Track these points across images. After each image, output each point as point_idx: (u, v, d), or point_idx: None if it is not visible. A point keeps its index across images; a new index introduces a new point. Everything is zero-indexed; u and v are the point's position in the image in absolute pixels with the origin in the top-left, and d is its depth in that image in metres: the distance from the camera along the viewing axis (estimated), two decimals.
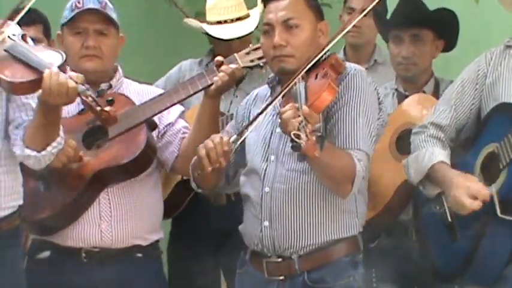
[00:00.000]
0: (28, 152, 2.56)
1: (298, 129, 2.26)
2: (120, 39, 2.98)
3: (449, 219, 2.67)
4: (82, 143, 2.82)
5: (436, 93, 3.26)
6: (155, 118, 2.93)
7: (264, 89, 2.81)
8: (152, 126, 2.91)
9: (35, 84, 2.48)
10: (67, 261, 2.87)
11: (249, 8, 3.61)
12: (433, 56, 3.34)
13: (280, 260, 2.63)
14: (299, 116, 2.29)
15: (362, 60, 3.80)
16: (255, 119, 2.61)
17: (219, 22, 3.54)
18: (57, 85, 2.43)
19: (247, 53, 2.97)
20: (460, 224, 2.65)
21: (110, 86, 2.90)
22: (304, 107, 2.31)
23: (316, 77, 2.52)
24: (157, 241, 3.00)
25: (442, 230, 2.67)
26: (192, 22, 3.72)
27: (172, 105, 2.95)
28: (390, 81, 3.39)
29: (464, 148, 2.69)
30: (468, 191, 2.48)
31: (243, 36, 3.49)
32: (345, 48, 3.92)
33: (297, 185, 2.61)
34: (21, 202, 2.70)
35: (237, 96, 3.42)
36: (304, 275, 2.60)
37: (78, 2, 2.89)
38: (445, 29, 3.30)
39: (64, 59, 2.57)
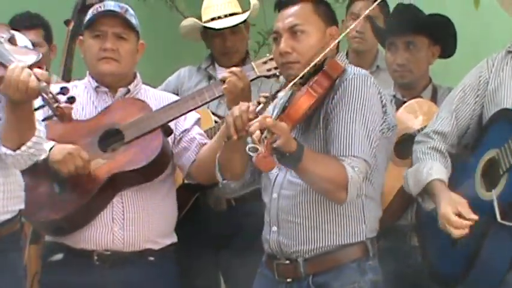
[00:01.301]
0: (4, 150, 2.56)
1: (259, 142, 2.27)
2: (140, 45, 3.01)
3: None
4: (98, 145, 2.84)
5: (434, 99, 3.28)
6: (171, 124, 2.95)
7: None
8: (168, 132, 2.93)
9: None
10: (79, 263, 2.90)
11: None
12: (429, 62, 3.34)
13: (288, 262, 2.65)
14: (261, 129, 2.30)
15: (364, 66, 3.81)
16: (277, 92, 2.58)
17: (213, 19, 3.58)
18: (17, 80, 2.42)
19: (265, 62, 3.03)
20: None
21: (128, 91, 2.98)
22: (268, 119, 2.33)
23: (310, 84, 2.53)
24: (170, 245, 3.03)
25: (443, 235, 2.62)
26: (187, 22, 3.75)
27: (188, 112, 2.99)
28: (388, 89, 3.36)
29: (465, 153, 2.70)
30: (449, 223, 2.50)
31: (233, 26, 3.53)
32: (347, 53, 3.92)
33: (302, 192, 2.62)
34: (22, 206, 2.73)
35: None
36: (309, 279, 2.62)
37: (100, 6, 2.94)
38: (440, 34, 3.30)
39: (38, 58, 2.58)
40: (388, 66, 3.39)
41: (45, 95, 2.47)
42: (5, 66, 2.50)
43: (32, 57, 2.58)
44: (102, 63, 2.92)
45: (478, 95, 2.68)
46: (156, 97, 3.05)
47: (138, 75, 3.05)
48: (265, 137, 2.26)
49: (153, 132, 2.86)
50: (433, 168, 2.63)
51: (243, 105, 2.50)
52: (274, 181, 2.67)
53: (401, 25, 3.25)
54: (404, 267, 3.18)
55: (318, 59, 2.55)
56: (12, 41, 2.63)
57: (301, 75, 2.53)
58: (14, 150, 2.55)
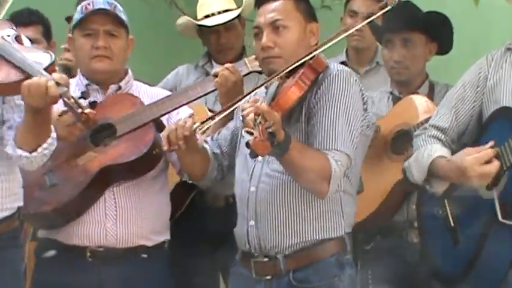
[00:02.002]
0: (20, 152, 2.56)
1: (253, 127, 2.28)
2: (130, 41, 3.00)
3: (452, 224, 2.67)
4: (90, 139, 2.82)
5: (431, 96, 3.30)
6: (164, 119, 2.94)
7: (262, 90, 2.81)
8: (160, 127, 2.90)
9: (20, 85, 2.47)
10: (72, 260, 2.88)
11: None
12: (426, 59, 3.36)
13: (266, 259, 2.65)
14: (255, 114, 2.31)
15: (364, 63, 3.89)
16: (223, 111, 2.65)
17: (207, 16, 3.61)
18: (37, 86, 2.43)
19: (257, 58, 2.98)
20: (462, 228, 2.65)
21: (119, 87, 2.98)
22: (263, 105, 2.34)
23: (294, 77, 2.55)
24: (163, 242, 3.00)
25: (444, 233, 2.66)
26: (182, 20, 3.77)
27: (180, 106, 2.97)
28: (385, 86, 3.42)
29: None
30: (480, 161, 2.47)
31: (225, 23, 3.55)
32: (347, 51, 3.95)
33: (281, 185, 2.64)
34: (20, 204, 2.72)
35: None
36: (289, 275, 2.63)
37: (88, 4, 2.92)
38: (437, 31, 3.31)
39: (52, 60, 2.58)
40: (385, 63, 3.42)
41: (66, 100, 2.48)
42: (19, 69, 2.50)
43: (46, 57, 2.58)
44: (95, 62, 2.91)
45: (477, 91, 2.67)
46: (149, 93, 3.03)
47: (129, 71, 3.03)
48: (260, 123, 2.27)
49: (145, 126, 2.85)
50: (433, 149, 2.63)
51: (180, 120, 2.61)
52: (252, 174, 2.67)
53: (398, 22, 3.25)
54: (400, 263, 3.20)
55: (303, 60, 2.57)
56: (18, 39, 2.61)
57: (284, 72, 2.56)
58: (30, 153, 2.56)
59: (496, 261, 2.55)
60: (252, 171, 2.67)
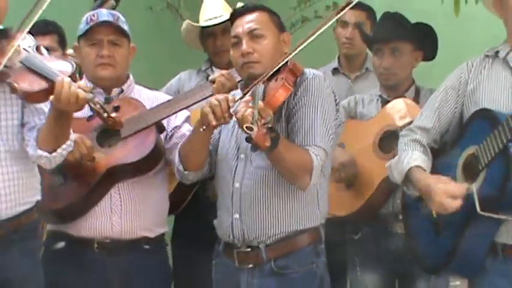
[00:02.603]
0: (40, 152, 2.55)
1: (251, 123, 2.31)
2: (131, 48, 2.99)
3: (435, 216, 2.65)
4: (96, 141, 2.81)
5: (417, 99, 3.28)
6: (163, 121, 2.94)
7: (237, 92, 2.83)
8: (161, 129, 2.91)
9: (47, 93, 2.47)
10: (80, 251, 2.87)
11: None
12: (413, 65, 3.35)
13: (249, 249, 2.67)
14: (252, 112, 2.34)
15: (355, 69, 3.87)
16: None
17: (206, 21, 3.62)
18: (68, 94, 2.43)
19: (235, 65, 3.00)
20: (444, 220, 2.62)
21: (122, 91, 2.97)
22: (260, 103, 2.38)
23: (276, 80, 2.58)
24: (163, 234, 3.01)
25: (428, 225, 2.65)
26: (184, 24, 3.75)
27: (180, 110, 2.96)
28: (375, 89, 3.42)
29: (447, 149, 2.68)
30: (448, 193, 2.47)
31: (219, 24, 3.57)
32: (339, 58, 3.93)
33: (264, 181, 2.66)
34: (38, 198, 2.70)
35: None
36: (271, 263, 2.65)
37: (93, 16, 2.91)
38: (423, 41, 3.31)
39: (74, 68, 2.59)
40: (375, 69, 3.42)
41: (93, 105, 2.49)
42: (45, 78, 2.49)
43: (67, 65, 2.58)
44: (100, 69, 2.90)
45: (458, 94, 2.65)
46: (150, 96, 3.02)
47: (131, 76, 3.02)
48: (258, 119, 2.30)
49: (147, 129, 2.85)
50: (412, 157, 2.62)
51: (220, 95, 2.57)
52: (235, 171, 2.68)
53: (387, 32, 3.28)
54: (386, 252, 3.20)
55: (283, 62, 2.60)
56: (38, 49, 2.59)
57: (268, 75, 2.57)
58: (50, 153, 2.55)
59: (475, 250, 2.53)
60: (235, 169, 2.68)
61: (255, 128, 2.30)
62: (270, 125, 2.34)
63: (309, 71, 2.69)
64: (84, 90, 2.46)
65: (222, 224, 2.72)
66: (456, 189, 2.47)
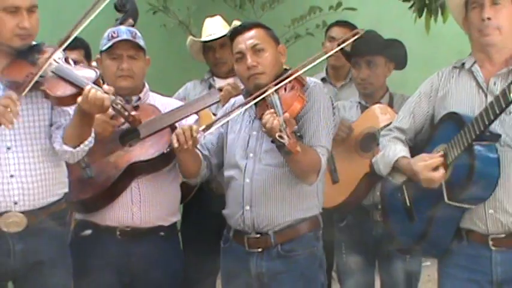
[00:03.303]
0: (65, 148, 2.55)
1: (280, 131, 2.31)
2: (147, 60, 2.98)
3: (408, 204, 2.68)
4: (118, 141, 2.82)
5: (391, 105, 3.29)
6: (176, 124, 2.93)
7: (239, 99, 2.83)
8: (174, 130, 2.88)
9: (75, 97, 2.47)
10: (105, 237, 2.87)
11: None
12: (386, 76, 3.35)
13: (258, 236, 2.66)
14: (278, 121, 2.35)
15: (340, 78, 3.87)
16: (222, 117, 2.68)
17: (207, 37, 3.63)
18: (95, 98, 2.43)
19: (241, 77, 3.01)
20: (416, 208, 2.66)
21: (139, 98, 2.96)
22: (286, 114, 2.38)
23: (285, 90, 2.57)
24: (175, 222, 3.00)
25: (402, 213, 2.67)
26: (189, 39, 3.75)
27: (192, 114, 2.97)
28: (354, 96, 3.43)
29: (420, 147, 2.67)
30: (428, 168, 2.47)
31: (216, 39, 3.56)
32: (326, 69, 3.93)
33: (272, 177, 2.65)
34: (66, 190, 2.71)
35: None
36: (278, 247, 2.65)
37: (114, 33, 2.91)
38: (394, 54, 3.31)
39: (98, 75, 2.58)
40: (354, 80, 3.44)
41: (115, 106, 2.50)
42: (73, 85, 2.50)
43: (92, 73, 2.58)
44: (120, 80, 2.89)
45: (430, 100, 2.66)
46: (163, 102, 3.02)
47: (146, 84, 3.02)
48: (285, 128, 2.32)
49: (163, 130, 2.85)
50: (397, 149, 2.63)
51: (187, 125, 2.59)
52: (245, 169, 2.67)
53: (363, 47, 3.27)
54: (367, 237, 3.24)
55: (295, 75, 2.60)
56: (67, 60, 2.60)
57: (279, 85, 2.58)
58: (74, 148, 2.55)
59: (442, 234, 2.55)
60: (245, 166, 2.67)
61: (285, 137, 2.30)
62: (298, 133, 2.37)
63: (310, 80, 2.71)
64: (107, 93, 2.46)
65: (233, 214, 2.71)
66: (433, 161, 2.46)
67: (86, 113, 2.49)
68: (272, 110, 2.44)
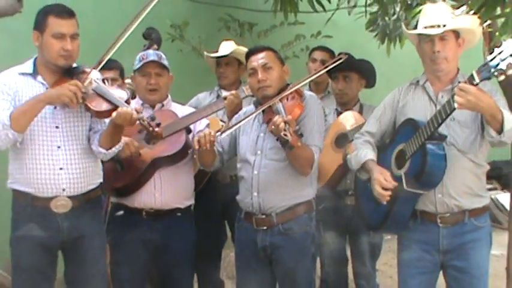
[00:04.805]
0: (100, 149, 2.56)
1: (285, 130, 2.32)
2: (169, 77, 2.98)
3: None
4: (144, 139, 2.80)
5: (361, 112, 3.27)
6: (191, 126, 2.93)
7: (250, 107, 2.82)
8: (188, 131, 2.91)
9: (110, 112, 2.48)
10: (134, 217, 2.85)
11: None
12: (359, 89, 3.33)
13: (264, 216, 2.64)
14: (283, 123, 2.36)
15: (321, 91, 3.84)
16: (235, 124, 2.65)
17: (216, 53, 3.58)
18: (126, 114, 2.46)
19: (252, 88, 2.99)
20: None
21: (162, 105, 2.96)
22: (289, 116, 2.40)
23: (287, 100, 2.59)
24: (190, 205, 2.98)
25: (370, 198, 2.65)
26: (205, 55, 3.70)
27: (202, 118, 2.96)
28: (332, 105, 3.43)
29: (385, 146, 2.68)
30: (381, 185, 2.48)
31: (221, 57, 3.49)
32: (309, 83, 3.89)
33: (275, 170, 2.63)
34: (101, 180, 2.70)
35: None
36: (279, 226, 2.63)
37: (144, 55, 2.92)
38: (365, 72, 3.31)
39: (129, 95, 2.59)
40: (333, 91, 3.43)
41: (142, 122, 2.51)
42: (110, 102, 2.50)
43: (124, 93, 2.58)
44: (149, 94, 2.90)
45: (392, 109, 2.67)
46: (181, 109, 3.00)
47: (169, 95, 3.01)
48: (288, 127, 2.33)
49: (180, 131, 2.84)
50: (367, 153, 2.63)
51: (207, 130, 2.58)
52: (254, 163, 2.65)
53: (341, 65, 3.22)
54: (341, 217, 3.23)
55: (294, 89, 2.61)
56: (103, 80, 2.59)
57: (281, 96, 2.58)
58: (107, 150, 2.57)
59: (402, 215, 2.55)
60: (254, 162, 2.65)
61: (289, 134, 2.32)
62: (299, 132, 2.36)
63: (306, 92, 2.71)
64: (137, 112, 2.48)
65: (244, 199, 2.69)
66: (387, 184, 2.45)
67: (117, 125, 2.50)
68: (278, 115, 2.42)
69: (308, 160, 2.57)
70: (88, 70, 2.53)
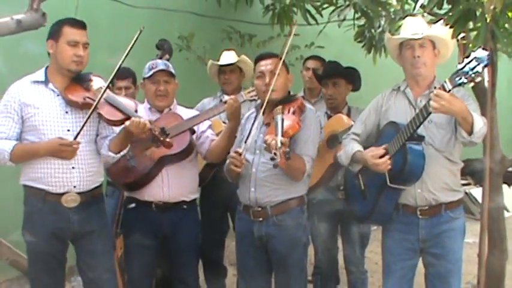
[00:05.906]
0: (110, 153, 2.57)
1: (276, 150, 2.25)
2: (176, 84, 2.98)
3: (362, 187, 2.70)
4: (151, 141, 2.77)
5: (349, 115, 3.26)
6: (195, 127, 2.93)
7: (252, 111, 2.81)
8: (192, 131, 2.91)
9: (123, 122, 2.50)
10: (144, 209, 2.85)
11: None
12: (346, 94, 3.31)
13: (260, 209, 2.63)
14: (276, 142, 2.28)
15: (314, 96, 3.83)
16: (249, 132, 2.64)
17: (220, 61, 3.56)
18: (138, 124, 2.47)
19: (249, 92, 2.98)
20: (368, 190, 2.67)
21: (170, 109, 2.95)
22: (283, 138, 2.30)
23: (289, 111, 2.51)
24: (195, 199, 2.97)
25: (358, 193, 2.67)
26: (209, 63, 3.69)
27: (204, 120, 2.96)
28: (323, 108, 3.42)
29: (370, 146, 2.64)
30: (374, 155, 2.45)
31: (226, 65, 3.47)
32: (304, 89, 3.91)
33: (271, 168, 2.52)
34: (103, 179, 2.71)
35: None
36: (274, 218, 2.62)
37: (153, 64, 2.92)
38: (352, 78, 3.28)
39: (136, 105, 2.60)
40: (323, 96, 3.42)
41: (154, 132, 2.51)
42: (122, 112, 2.50)
43: (131, 103, 2.59)
44: (158, 100, 2.89)
45: (377, 113, 2.67)
46: (186, 112, 3.00)
47: (175, 100, 3.00)
48: (280, 147, 2.24)
49: (184, 132, 2.84)
50: (354, 146, 2.64)
51: (232, 152, 2.57)
52: (253, 161, 2.63)
53: (330, 72, 3.29)
54: (332, 211, 3.20)
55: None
56: (111, 88, 2.59)
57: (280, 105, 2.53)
58: (115, 154, 2.58)
59: (386, 208, 2.57)
60: (252, 160, 2.63)
61: (278, 157, 2.22)
62: (288, 155, 2.26)
63: (307, 106, 2.66)
64: (150, 123, 2.50)
65: (243, 193, 2.68)
66: (377, 152, 2.46)
67: (130, 132, 2.51)
68: (273, 135, 2.35)
69: (300, 170, 2.54)
70: (94, 78, 2.55)
